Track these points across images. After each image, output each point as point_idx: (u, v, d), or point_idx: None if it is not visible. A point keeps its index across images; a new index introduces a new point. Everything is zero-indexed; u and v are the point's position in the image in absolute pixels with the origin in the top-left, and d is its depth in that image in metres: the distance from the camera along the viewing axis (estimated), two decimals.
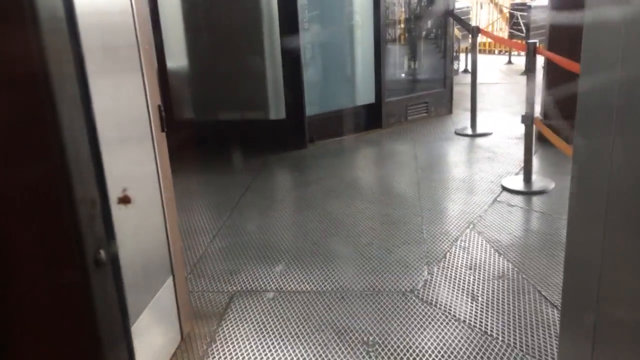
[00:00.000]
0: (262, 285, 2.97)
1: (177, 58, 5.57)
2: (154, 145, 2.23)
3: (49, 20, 0.85)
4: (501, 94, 7.44)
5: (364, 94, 5.95)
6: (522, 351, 2.32)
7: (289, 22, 5.12)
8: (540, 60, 5.33)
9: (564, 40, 4.89)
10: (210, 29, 5.45)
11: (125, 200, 1.58)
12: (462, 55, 9.49)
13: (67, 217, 0.85)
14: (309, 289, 2.91)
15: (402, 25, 6.85)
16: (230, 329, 2.59)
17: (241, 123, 5.49)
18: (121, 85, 2.04)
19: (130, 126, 2.10)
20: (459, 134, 5.68)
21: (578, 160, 1.47)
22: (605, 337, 1.35)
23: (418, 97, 6.35)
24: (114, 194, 1.70)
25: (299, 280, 2.99)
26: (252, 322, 2.63)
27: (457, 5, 7.88)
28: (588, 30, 1.39)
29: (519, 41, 9.15)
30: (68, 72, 0.90)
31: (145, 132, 2.18)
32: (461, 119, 6.21)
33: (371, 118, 5.93)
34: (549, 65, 4.90)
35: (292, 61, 5.20)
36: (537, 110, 4.95)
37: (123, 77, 2.07)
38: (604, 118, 1.29)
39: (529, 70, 4.03)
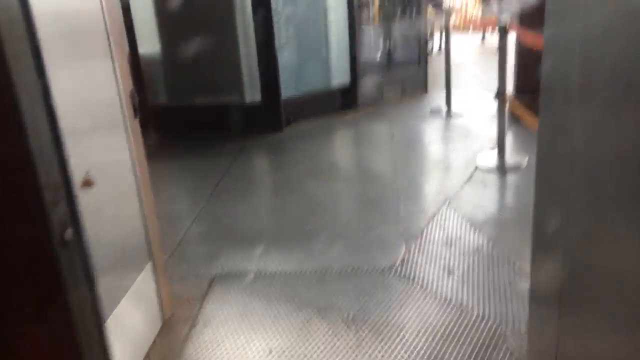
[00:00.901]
0: (243, 268, 2.99)
1: (150, 43, 5.49)
2: (126, 132, 2.22)
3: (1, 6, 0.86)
4: (475, 72, 7.51)
5: (339, 75, 5.96)
6: (497, 322, 2.39)
7: (262, 4, 5.08)
8: (513, 37, 5.40)
9: (534, 15, 4.95)
10: (183, 12, 5.37)
11: (87, 183, 1.58)
12: (437, 35, 9.53)
13: (32, 202, 0.87)
14: (288, 269, 2.94)
15: (376, 6, 6.85)
16: (212, 312, 2.61)
17: (217, 107, 5.46)
18: (89, 71, 2.02)
19: (100, 112, 2.09)
20: (434, 112, 5.73)
21: (542, 133, 1.51)
22: (570, 305, 1.41)
23: (393, 77, 6.38)
24: (79, 178, 1.69)
25: (279, 262, 3.03)
26: (233, 305, 2.66)
27: None
28: (550, 5, 1.42)
29: (491, 18, 9.20)
30: (25, 59, 0.90)
31: (117, 118, 2.17)
32: (436, 97, 6.26)
33: (347, 99, 5.95)
34: (520, 42, 4.96)
35: (266, 43, 5.18)
36: (510, 87, 5.02)
37: (91, 62, 2.04)
38: (565, 92, 1.33)
39: (500, 46, 4.07)
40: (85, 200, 1.74)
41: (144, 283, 2.35)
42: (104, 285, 1.99)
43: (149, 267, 2.40)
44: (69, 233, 0.90)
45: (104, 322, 1.11)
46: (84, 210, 1.74)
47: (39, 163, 0.87)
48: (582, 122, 1.28)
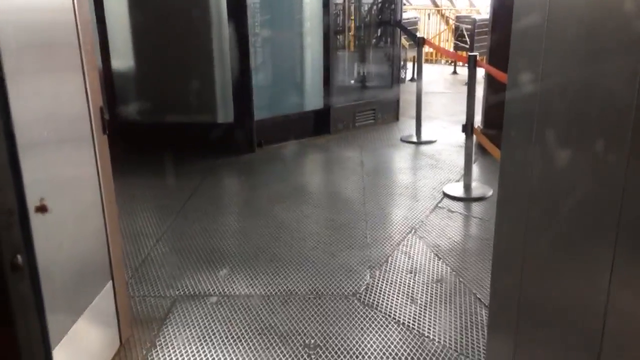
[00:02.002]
0: (206, 290, 2.96)
1: (124, 59, 5.46)
2: (94, 148, 2.19)
3: None
4: (446, 103, 7.67)
5: (313, 100, 6.02)
6: (457, 351, 2.42)
7: (239, 26, 5.11)
8: (482, 72, 5.56)
9: (504, 52, 5.12)
10: (159, 30, 5.37)
11: (42, 209, 1.55)
12: (410, 64, 9.72)
13: None
14: (252, 292, 2.92)
15: (352, 33, 6.97)
16: (172, 333, 2.57)
17: (189, 126, 5.43)
18: (58, 84, 2.00)
19: (68, 127, 2.06)
20: (405, 141, 5.82)
21: (504, 167, 1.56)
22: (526, 335, 1.43)
23: (366, 104, 6.46)
24: (35, 200, 1.66)
25: (243, 285, 3.00)
26: (194, 327, 2.62)
27: (406, 15, 8.09)
28: (514, 47, 1.49)
29: (462, 53, 9.47)
30: None
31: (84, 133, 2.15)
32: (407, 126, 6.36)
33: (319, 123, 6.00)
34: (489, 77, 5.11)
35: (241, 64, 5.20)
36: (478, 120, 5.14)
37: (60, 75, 2.02)
38: (525, 128, 1.38)
39: (470, 81, 4.19)
40: (46, 217, 1.71)
41: (103, 302, 2.30)
42: (60, 303, 1.94)
43: (108, 286, 2.35)
44: (19, 259, 0.87)
45: (53, 349, 1.08)
46: (45, 229, 1.71)
47: None
48: (539, 156, 1.33)
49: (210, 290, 2.95)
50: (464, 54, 9.58)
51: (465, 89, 7.29)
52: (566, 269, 1.28)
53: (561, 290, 1.29)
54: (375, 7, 7.01)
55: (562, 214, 1.29)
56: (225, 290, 2.95)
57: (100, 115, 2.23)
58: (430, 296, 2.87)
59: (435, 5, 14.33)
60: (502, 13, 5.12)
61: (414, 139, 5.82)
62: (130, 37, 5.43)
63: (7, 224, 0.85)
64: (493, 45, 5.27)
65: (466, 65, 4.29)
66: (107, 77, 5.20)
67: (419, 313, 2.71)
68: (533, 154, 1.36)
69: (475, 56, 4.12)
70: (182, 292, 2.93)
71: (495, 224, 1.68)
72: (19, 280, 0.85)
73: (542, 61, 1.29)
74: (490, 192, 4.26)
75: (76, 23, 2.08)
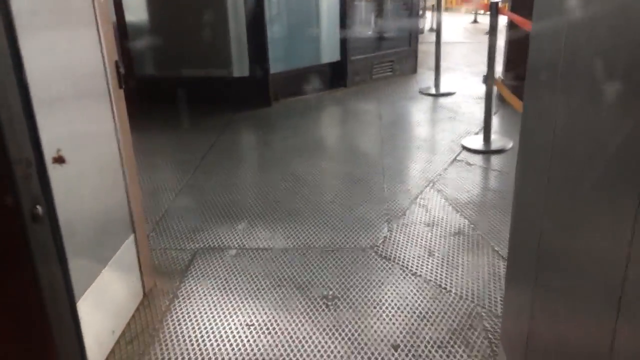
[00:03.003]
0: (225, 243, 3.00)
1: (137, 12, 5.39)
2: (111, 102, 2.19)
3: None
4: (465, 53, 7.49)
5: (329, 52, 5.91)
6: (474, 302, 2.44)
7: None
8: (503, 21, 5.39)
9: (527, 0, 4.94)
10: None
11: (59, 160, 1.57)
12: (429, 14, 9.46)
13: (1, 177, 0.84)
14: (271, 246, 2.96)
15: None
16: (193, 285, 2.63)
17: (204, 80, 5.40)
18: (72, 39, 1.98)
19: (84, 81, 2.06)
20: (423, 93, 5.73)
21: (526, 118, 1.52)
22: (544, 286, 1.43)
23: (383, 56, 6.35)
24: (53, 151, 1.68)
25: (261, 238, 3.04)
26: (215, 279, 2.67)
27: None
28: None
29: (483, 0, 9.16)
30: None
31: (100, 87, 2.14)
32: (425, 78, 6.25)
33: (336, 76, 5.92)
34: (512, 26, 4.95)
35: (255, 17, 5.11)
36: (499, 70, 5.03)
37: (74, 30, 2.00)
38: (549, 78, 1.34)
39: (491, 30, 4.06)
40: (65, 169, 1.74)
41: (126, 255, 2.35)
42: (84, 255, 1.99)
43: (131, 239, 2.40)
44: (39, 209, 0.89)
45: (78, 299, 1.11)
46: (65, 181, 1.73)
47: (9, 136, 0.85)
48: (564, 107, 1.29)
49: (230, 243, 3.00)
50: (485, 1, 9.28)
51: (485, 38, 7.11)
52: (588, 219, 1.26)
53: (582, 240, 1.27)
54: None
55: (585, 164, 1.26)
56: (244, 243, 2.99)
57: (116, 70, 2.22)
58: (448, 249, 2.88)
59: None
60: None
61: (433, 91, 5.72)
62: None
63: (26, 174, 0.86)
64: None
65: (487, 13, 4.15)
66: (121, 31, 5.15)
67: (437, 265, 2.73)
68: (557, 103, 1.32)
69: (497, 3, 3.98)
70: (202, 245, 2.98)
71: (515, 175, 1.66)
72: (39, 230, 0.86)
73: (570, 6, 1.24)
74: (510, 144, 4.20)
75: None
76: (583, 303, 1.28)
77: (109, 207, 2.26)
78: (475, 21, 10.12)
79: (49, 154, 1.49)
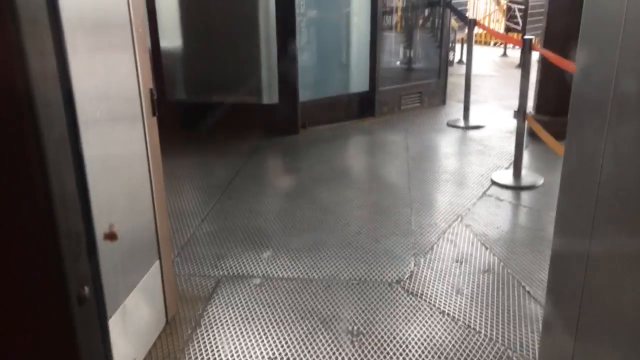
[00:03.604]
0: (249, 271, 2.97)
1: (172, 38, 5.50)
2: (144, 129, 2.21)
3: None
4: (495, 87, 7.44)
5: (358, 82, 5.93)
6: (504, 345, 2.35)
7: (286, 6, 5.07)
8: (535, 55, 5.34)
9: (560, 36, 4.90)
10: (206, 10, 5.38)
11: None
12: (458, 46, 9.47)
13: (50, 254, 0.78)
14: (295, 276, 2.92)
15: (399, 14, 6.81)
16: (216, 313, 2.60)
17: (234, 106, 5.45)
18: (110, 66, 2.01)
19: (119, 108, 2.08)
20: (452, 125, 5.68)
21: (569, 160, 1.48)
22: (587, 332, 1.37)
23: (412, 87, 6.34)
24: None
25: (286, 267, 3.00)
26: (238, 308, 2.64)
27: None
28: (585, 28, 1.39)
29: (515, 35, 9.16)
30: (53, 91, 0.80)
31: (135, 115, 2.16)
32: (454, 110, 6.21)
33: (364, 106, 5.92)
34: (544, 61, 4.90)
35: (287, 45, 5.16)
36: (530, 105, 4.97)
37: (112, 57, 2.03)
38: (597, 120, 1.29)
39: (524, 66, 4.03)
40: (100, 193, 1.73)
41: (151, 281, 2.34)
42: (110, 283, 1.98)
43: (156, 265, 2.38)
44: (86, 290, 0.82)
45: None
46: (97, 207, 1.73)
47: (59, 203, 0.77)
48: (612, 150, 1.25)
49: (254, 271, 2.96)
50: (516, 35, 9.27)
51: (515, 71, 7.04)
52: (635, 266, 1.20)
53: (631, 288, 1.21)
54: None
55: (631, 209, 1.21)
56: (269, 272, 2.96)
57: (150, 97, 2.24)
58: (477, 287, 2.80)
59: None
60: None
61: (462, 124, 5.67)
62: (178, 17, 5.47)
63: (75, 252, 0.80)
64: (549, 28, 5.05)
65: (517, 47, 4.12)
66: (156, 55, 5.25)
67: (465, 304, 2.65)
68: (604, 146, 1.28)
69: (531, 40, 3.95)
70: (226, 273, 2.96)
71: (556, 216, 1.60)
72: (84, 312, 0.80)
73: (619, 48, 1.20)
74: (541, 181, 4.11)
75: (128, 4, 2.08)
76: (629, 355, 1.21)
77: (137, 233, 2.25)
78: (504, 54, 10.09)
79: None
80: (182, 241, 3.32)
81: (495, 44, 11.22)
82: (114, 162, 2.03)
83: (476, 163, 4.60)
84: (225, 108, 5.38)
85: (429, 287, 2.80)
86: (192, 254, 3.17)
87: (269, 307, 2.64)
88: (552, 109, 5.05)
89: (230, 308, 2.64)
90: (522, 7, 8.76)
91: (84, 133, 1.59)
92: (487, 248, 3.19)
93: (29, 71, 0.75)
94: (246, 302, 2.68)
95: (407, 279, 2.88)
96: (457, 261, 3.05)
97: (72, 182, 0.82)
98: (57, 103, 0.82)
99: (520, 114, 4.03)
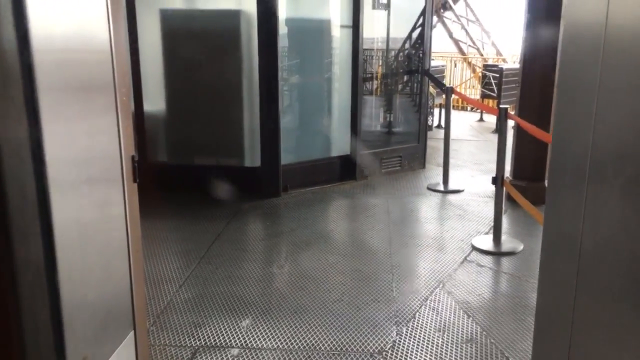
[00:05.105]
0: (227, 341, 2.88)
1: (155, 101, 5.56)
2: (124, 196, 2.18)
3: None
4: (473, 151, 7.60)
5: (339, 145, 6.02)
6: None
7: (268, 71, 5.18)
8: (511, 122, 5.51)
9: (534, 102, 5.07)
10: (190, 73, 5.48)
11: None
12: (436, 111, 9.74)
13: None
14: (275, 346, 2.83)
15: (379, 79, 7.02)
16: None
17: (215, 169, 5.46)
18: (91, 131, 1.99)
19: (98, 175, 2.05)
20: (431, 189, 5.75)
21: (549, 222, 1.49)
22: None
23: (392, 151, 6.44)
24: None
25: (265, 337, 2.92)
26: None
27: (433, 63, 8.14)
28: (561, 97, 1.43)
29: (490, 102, 9.47)
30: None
31: (115, 181, 2.14)
32: (433, 174, 6.30)
33: (345, 169, 5.98)
34: (519, 128, 5.05)
35: (269, 109, 5.24)
36: (507, 169, 5.07)
37: (94, 122, 2.02)
38: (575, 187, 1.32)
39: (500, 133, 4.13)
40: (73, 263, 1.69)
41: (124, 354, 2.25)
42: (84, 354, 1.89)
43: (130, 336, 2.30)
44: None
45: None
46: (69, 282, 1.68)
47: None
48: (592, 212, 1.26)
49: (232, 341, 2.87)
50: (491, 102, 9.58)
51: (492, 136, 7.23)
52: (623, 333, 1.19)
53: (616, 353, 1.20)
54: (402, 55, 7.07)
55: (613, 269, 1.22)
56: (247, 342, 2.87)
57: (132, 164, 2.23)
58: (460, 358, 2.74)
59: (462, 53, 14.45)
60: (532, 63, 5.10)
61: (441, 188, 5.74)
62: (162, 79, 5.55)
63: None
64: (523, 96, 5.23)
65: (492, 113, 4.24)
66: (139, 118, 5.28)
67: None
68: (583, 207, 1.29)
69: (506, 109, 4.08)
70: (203, 343, 2.86)
71: (538, 285, 1.60)
72: None
73: (596, 109, 1.24)
74: (520, 247, 4.14)
75: (113, 68, 2.09)
76: None
77: (111, 302, 2.18)
78: (481, 119, 10.38)
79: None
80: (159, 309, 3.22)
81: (472, 109, 11.56)
82: (90, 230, 1.99)
83: (456, 228, 4.63)
84: (206, 171, 5.38)
85: (411, 358, 2.73)
86: (168, 322, 3.08)
87: None
88: (528, 174, 5.16)
89: None
90: (497, 75, 9.11)
91: (60, 199, 1.57)
92: (469, 316, 3.15)
93: None
94: None
95: (389, 348, 2.82)
96: (439, 330, 3.01)
97: (39, 250, 0.80)
98: (27, 170, 0.80)
99: (499, 180, 4.10)
